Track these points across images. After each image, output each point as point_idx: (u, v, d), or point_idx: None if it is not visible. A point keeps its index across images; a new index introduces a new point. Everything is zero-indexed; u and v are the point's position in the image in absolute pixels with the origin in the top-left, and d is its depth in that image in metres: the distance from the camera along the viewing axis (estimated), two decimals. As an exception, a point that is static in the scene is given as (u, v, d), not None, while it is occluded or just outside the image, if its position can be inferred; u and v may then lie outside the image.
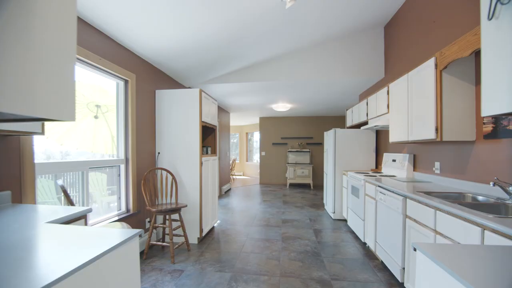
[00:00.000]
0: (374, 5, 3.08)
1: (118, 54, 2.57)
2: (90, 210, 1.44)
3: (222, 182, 6.71)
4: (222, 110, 6.73)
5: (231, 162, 9.95)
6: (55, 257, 0.77)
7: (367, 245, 3.02)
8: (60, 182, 1.84)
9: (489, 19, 1.00)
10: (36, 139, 1.78)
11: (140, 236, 2.35)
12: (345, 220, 4.09)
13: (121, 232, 1.00)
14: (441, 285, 0.76)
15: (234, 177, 10.32)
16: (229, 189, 7.38)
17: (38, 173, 1.85)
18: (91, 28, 2.21)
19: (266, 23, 2.88)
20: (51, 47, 0.72)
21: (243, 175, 11.07)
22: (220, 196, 6.36)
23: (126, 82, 2.76)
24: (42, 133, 1.42)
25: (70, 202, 1.71)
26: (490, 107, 1.16)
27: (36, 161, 1.76)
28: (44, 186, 2.15)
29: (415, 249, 0.90)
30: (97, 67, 2.33)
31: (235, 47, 3.27)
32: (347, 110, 4.94)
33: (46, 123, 1.49)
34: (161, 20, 2.36)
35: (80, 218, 1.38)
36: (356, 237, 3.33)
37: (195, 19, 2.47)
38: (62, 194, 1.74)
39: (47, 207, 1.50)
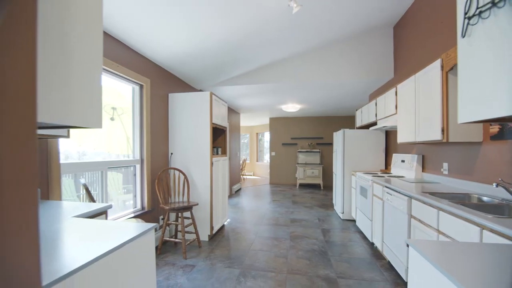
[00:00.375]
0: (383, 5, 3.08)
1: (133, 61, 2.73)
2: (110, 207, 1.57)
3: (233, 182, 6.83)
4: (232, 111, 6.86)
5: (241, 162, 10.08)
6: (83, 246, 0.89)
7: (374, 245, 3.04)
8: (83, 180, 1.99)
9: (463, 36, 1.14)
10: (61, 141, 1.95)
11: (155, 230, 2.51)
12: (354, 221, 4.10)
13: (139, 225, 1.11)
14: (429, 278, 0.82)
15: (245, 177, 10.44)
16: (240, 189, 7.50)
17: (63, 172, 2.02)
18: (108, 37, 2.37)
19: (274, 27, 2.95)
20: (82, 63, 0.84)
21: (253, 175, 11.18)
22: (231, 195, 6.48)
23: (141, 86, 2.91)
24: (68, 136, 1.57)
25: (91, 199, 1.86)
26: (464, 114, 1.23)
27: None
28: (65, 184, 2.33)
29: (407, 245, 0.96)
30: (115, 74, 2.49)
31: (244, 51, 3.37)
32: (356, 110, 4.93)
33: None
34: (174, 28, 2.49)
35: (101, 214, 1.52)
36: (364, 237, 3.34)
37: (207, 26, 2.58)
38: (84, 191, 1.90)
39: (71, 203, 1.65)
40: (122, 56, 2.55)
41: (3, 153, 0.51)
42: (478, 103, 1.14)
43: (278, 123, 8.73)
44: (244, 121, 9.67)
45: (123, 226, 1.11)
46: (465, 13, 1.08)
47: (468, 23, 1.08)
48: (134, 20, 2.25)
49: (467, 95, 1.22)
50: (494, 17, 0.96)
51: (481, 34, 1.04)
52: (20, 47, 0.54)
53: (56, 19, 0.75)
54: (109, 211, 2.11)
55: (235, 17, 2.56)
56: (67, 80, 0.76)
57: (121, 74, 2.53)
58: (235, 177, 7.12)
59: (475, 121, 1.20)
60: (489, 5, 0.94)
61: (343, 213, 4.22)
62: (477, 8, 1.02)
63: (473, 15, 1.03)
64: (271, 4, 2.48)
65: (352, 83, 4.19)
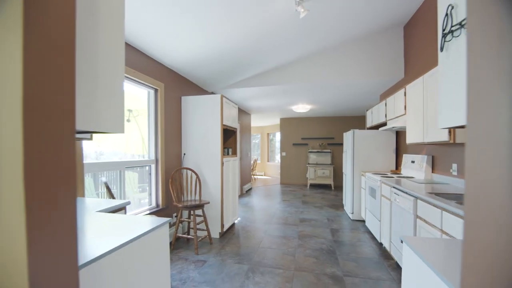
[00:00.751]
0: (393, 5, 3.08)
1: (149, 66, 2.89)
2: (128, 203, 1.71)
3: (243, 181, 6.95)
4: (243, 112, 6.97)
5: (252, 162, 10.18)
6: (107, 236, 1.02)
7: (383, 246, 3.05)
8: (104, 179, 2.16)
9: (441, 51, 1.27)
10: (84, 143, 2.12)
11: (169, 224, 2.66)
12: (363, 221, 4.10)
13: (155, 219, 1.23)
14: (419, 272, 0.88)
15: (256, 177, 10.55)
16: (250, 189, 7.61)
17: (85, 171, 2.19)
18: (126, 45, 2.54)
19: (283, 31, 3.03)
20: (107, 73, 0.96)
21: (264, 175, 11.26)
22: (241, 195, 6.60)
23: (156, 90, 3.08)
24: (91, 138, 1.72)
25: (111, 196, 2.02)
26: (442, 120, 1.33)
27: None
28: (85, 183, 2.51)
29: (402, 241, 1.02)
30: (132, 79, 2.66)
31: (253, 54, 3.47)
32: (367, 111, 4.91)
33: (93, 130, 1.79)
34: (187, 35, 2.63)
35: (121, 209, 1.66)
36: (373, 238, 3.36)
37: (218, 33, 2.70)
38: (105, 189, 2.06)
39: (94, 200, 1.81)
40: (138, 62, 2.71)
41: (57, 155, 0.64)
42: (454, 109, 1.23)
43: (289, 124, 8.77)
44: (255, 122, 9.78)
45: (141, 220, 1.24)
46: (443, 30, 1.21)
47: (444, 40, 1.18)
48: (150, 29, 2.39)
49: (445, 102, 1.32)
50: (463, 35, 1.10)
51: (454, 49, 1.17)
52: (62, 70, 0.67)
53: (86, 35, 0.87)
54: (126, 208, 2.26)
55: (244, 23, 2.66)
56: (94, 91, 0.88)
57: (138, 80, 2.70)
58: (246, 177, 7.24)
59: (453, 127, 1.30)
60: (458, 26, 1.10)
61: (352, 213, 4.23)
62: (451, 27, 1.16)
63: (448, 33, 1.16)
64: (278, 10, 2.56)
65: (362, 84, 4.19)
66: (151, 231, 1.11)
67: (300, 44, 3.54)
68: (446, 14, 1.17)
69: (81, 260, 0.78)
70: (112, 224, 1.17)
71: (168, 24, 2.38)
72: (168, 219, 1.23)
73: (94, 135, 2.32)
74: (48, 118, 0.61)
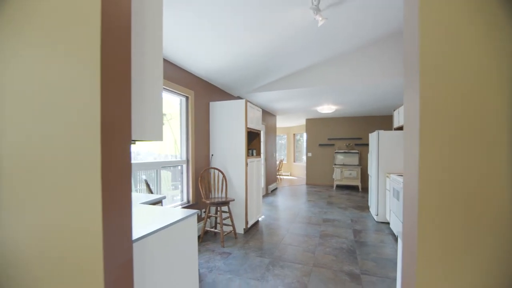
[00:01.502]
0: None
1: (180, 76, 3.22)
2: (164, 197, 2.01)
3: (268, 181, 7.14)
4: (269, 114, 7.17)
5: (278, 162, 10.32)
6: (150, 221, 1.29)
7: (406, 248, 3.03)
8: (144, 177, 2.51)
9: None
10: (128, 145, 2.49)
11: (198, 215, 2.98)
12: (388, 223, 4.05)
13: (186, 211, 1.48)
14: (408, 261, 1.00)
15: (281, 177, 10.67)
16: (276, 188, 7.77)
17: (129, 170, 2.56)
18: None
19: (301, 39, 3.17)
20: (150, 90, 1.22)
21: (290, 176, 11.34)
22: (266, 194, 6.80)
23: (187, 98, 3.41)
24: (134, 143, 2.05)
25: (150, 191, 2.36)
26: None
27: (128, 161, 2.46)
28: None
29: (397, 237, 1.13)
30: (166, 89, 3.01)
31: (275, 61, 3.65)
32: (394, 111, 4.80)
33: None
34: (213, 47, 2.90)
35: (158, 202, 1.96)
36: (397, 239, 3.33)
37: (241, 43, 2.93)
38: (145, 186, 2.40)
39: (136, 194, 2.14)
40: (171, 73, 3.06)
41: (119, 156, 0.90)
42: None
43: (315, 124, 8.76)
44: (281, 123, 9.91)
45: (174, 211, 1.50)
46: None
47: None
48: (182, 43, 2.71)
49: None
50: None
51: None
52: (122, 97, 0.93)
53: (136, 67, 1.14)
54: (162, 201, 2.58)
55: (265, 33, 2.85)
56: (142, 111, 1.15)
57: (171, 89, 3.04)
58: (271, 177, 7.42)
59: None
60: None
61: (377, 215, 4.19)
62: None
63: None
64: (297, 19, 2.71)
65: (386, 84, 4.14)
66: (183, 219, 1.36)
67: (319, 49, 3.63)
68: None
69: (133, 237, 1.04)
70: (152, 213, 1.45)
71: (197, 37, 2.66)
72: (196, 211, 1.48)
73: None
74: (114, 130, 0.87)
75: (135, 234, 1.08)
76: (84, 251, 0.84)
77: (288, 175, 11.39)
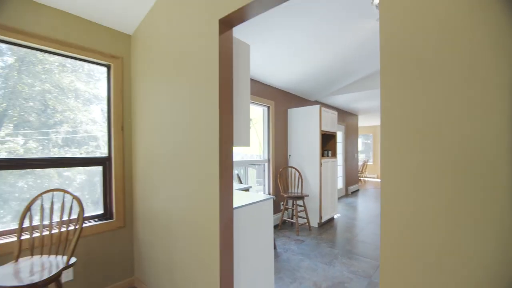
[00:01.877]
0: None
1: (263, 90, 3.90)
2: (251, 187, 2.68)
3: (349, 182, 7.08)
4: (349, 114, 7.10)
5: (361, 163, 9.88)
6: (243, 199, 1.93)
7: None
8: (236, 172, 3.29)
9: None
10: (226, 147, 3.33)
11: (277, 206, 3.57)
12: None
13: (265, 195, 2.07)
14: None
15: (366, 179, 10.14)
16: (357, 190, 7.59)
17: (226, 165, 3.41)
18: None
19: (365, 46, 3.27)
20: (242, 105, 1.86)
21: (376, 178, 10.59)
22: (346, 195, 6.79)
23: (268, 107, 4.07)
24: (230, 145, 2.81)
25: (241, 182, 3.10)
26: None
27: (226, 159, 3.30)
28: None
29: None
30: (253, 102, 3.74)
31: (346, 68, 3.84)
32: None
33: (231, 140, 2.90)
34: (290, 64, 3.42)
35: (247, 190, 2.64)
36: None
37: (312, 57, 3.34)
38: (237, 178, 3.16)
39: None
40: (256, 89, 3.76)
41: (227, 155, 1.55)
42: None
43: (404, 123, 7.95)
44: (365, 121, 9.44)
45: (258, 195, 2.11)
46: None
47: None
48: (263, 65, 3.35)
49: None
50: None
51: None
52: (228, 120, 1.56)
53: (234, 90, 1.79)
54: (249, 190, 3.25)
55: (334, 45, 3.15)
56: (237, 123, 1.79)
57: (256, 102, 3.75)
58: (351, 178, 7.32)
59: None
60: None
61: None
62: None
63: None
64: (361, 30, 2.89)
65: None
66: (263, 201, 1.94)
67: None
68: None
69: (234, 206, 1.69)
70: (244, 195, 2.10)
71: (276, 55, 3.24)
72: (272, 196, 2.04)
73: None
74: (225, 138, 1.52)
75: (234, 205, 1.72)
76: (210, 211, 1.52)
77: (374, 177, 10.67)
